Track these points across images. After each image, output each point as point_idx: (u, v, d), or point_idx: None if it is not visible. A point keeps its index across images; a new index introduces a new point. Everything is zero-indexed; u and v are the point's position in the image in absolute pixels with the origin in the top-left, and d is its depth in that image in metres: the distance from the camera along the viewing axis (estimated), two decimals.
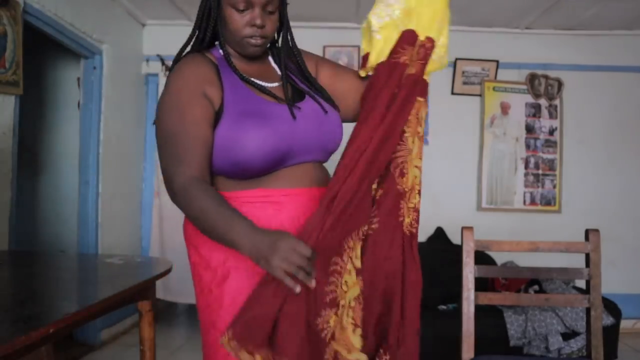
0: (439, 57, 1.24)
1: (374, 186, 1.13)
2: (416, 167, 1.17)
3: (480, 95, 3.68)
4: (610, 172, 3.68)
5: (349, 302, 1.06)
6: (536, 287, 2.74)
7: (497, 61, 3.65)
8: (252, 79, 1.15)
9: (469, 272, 1.67)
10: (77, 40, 2.86)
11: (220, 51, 1.16)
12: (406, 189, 1.14)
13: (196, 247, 1.14)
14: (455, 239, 3.40)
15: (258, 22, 1.10)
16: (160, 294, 3.37)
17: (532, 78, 3.67)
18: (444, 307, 2.77)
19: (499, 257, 3.22)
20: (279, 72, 1.21)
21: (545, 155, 3.68)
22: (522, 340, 2.58)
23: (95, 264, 1.82)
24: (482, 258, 2.98)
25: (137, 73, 3.65)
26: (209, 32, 1.16)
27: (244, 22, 1.10)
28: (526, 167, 3.67)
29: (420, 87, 1.21)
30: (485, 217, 3.62)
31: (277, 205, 1.10)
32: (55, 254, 2.51)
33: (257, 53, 1.17)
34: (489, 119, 3.67)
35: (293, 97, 1.17)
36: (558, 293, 2.64)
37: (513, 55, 3.68)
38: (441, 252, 3.17)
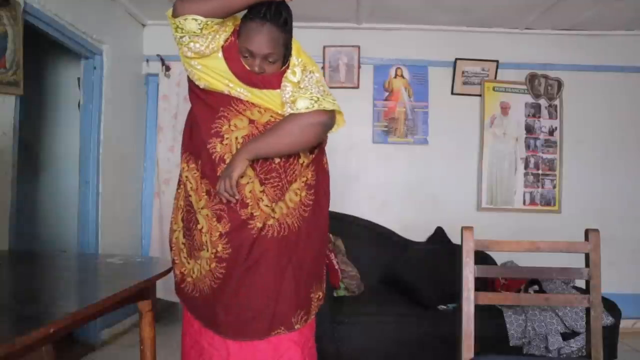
0: None
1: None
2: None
3: (480, 96, 3.68)
4: (610, 172, 3.68)
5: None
6: (536, 287, 2.74)
7: (497, 61, 3.65)
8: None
9: (469, 272, 1.67)
10: (77, 41, 2.86)
11: None
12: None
13: None
14: (455, 238, 3.40)
15: (256, 69, 1.39)
16: (160, 294, 3.37)
17: (532, 78, 3.67)
18: (444, 307, 2.77)
19: (499, 257, 3.21)
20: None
21: (545, 155, 3.68)
22: (522, 340, 2.58)
23: (95, 264, 1.82)
24: (482, 258, 2.98)
25: (137, 73, 3.65)
26: None
27: (248, 63, 1.40)
28: (526, 167, 3.67)
29: None
30: (485, 217, 3.62)
31: None
32: (56, 254, 2.51)
33: None
34: (488, 119, 3.67)
35: None
36: (558, 293, 2.64)
37: (513, 55, 3.68)
38: (441, 252, 3.17)
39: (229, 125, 1.39)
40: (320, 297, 1.57)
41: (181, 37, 1.34)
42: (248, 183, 1.39)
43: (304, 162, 1.45)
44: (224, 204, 1.39)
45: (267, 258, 1.41)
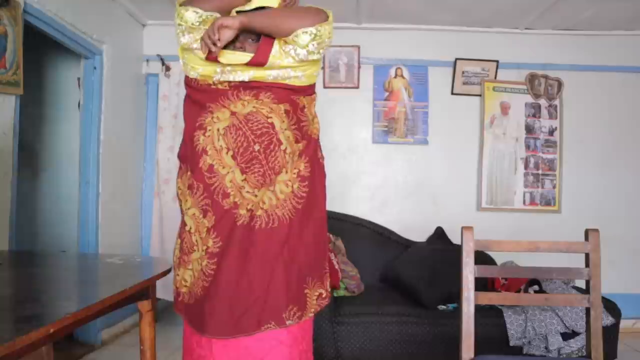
0: None
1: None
2: None
3: (480, 96, 3.68)
4: (610, 172, 3.68)
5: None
6: (536, 287, 2.74)
7: (497, 61, 3.65)
8: None
9: (469, 272, 1.67)
10: (77, 41, 2.87)
11: None
12: None
13: None
14: (455, 239, 3.40)
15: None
16: (160, 294, 3.37)
17: (532, 78, 3.67)
18: (444, 307, 2.77)
19: (499, 257, 3.21)
20: None
21: (545, 155, 3.68)
22: (522, 340, 2.59)
23: (95, 264, 1.82)
24: (482, 258, 2.98)
25: (137, 73, 3.65)
26: None
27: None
28: (526, 167, 3.67)
29: None
30: (485, 217, 3.62)
31: None
32: (56, 254, 2.51)
33: None
34: (488, 119, 3.67)
35: None
36: (558, 293, 2.64)
37: (513, 55, 3.68)
38: (441, 252, 3.17)
39: (212, 118, 1.42)
40: (324, 295, 1.51)
41: (179, 25, 1.39)
42: (228, 173, 1.40)
43: (286, 148, 1.43)
44: (209, 197, 1.41)
45: (256, 251, 1.41)
